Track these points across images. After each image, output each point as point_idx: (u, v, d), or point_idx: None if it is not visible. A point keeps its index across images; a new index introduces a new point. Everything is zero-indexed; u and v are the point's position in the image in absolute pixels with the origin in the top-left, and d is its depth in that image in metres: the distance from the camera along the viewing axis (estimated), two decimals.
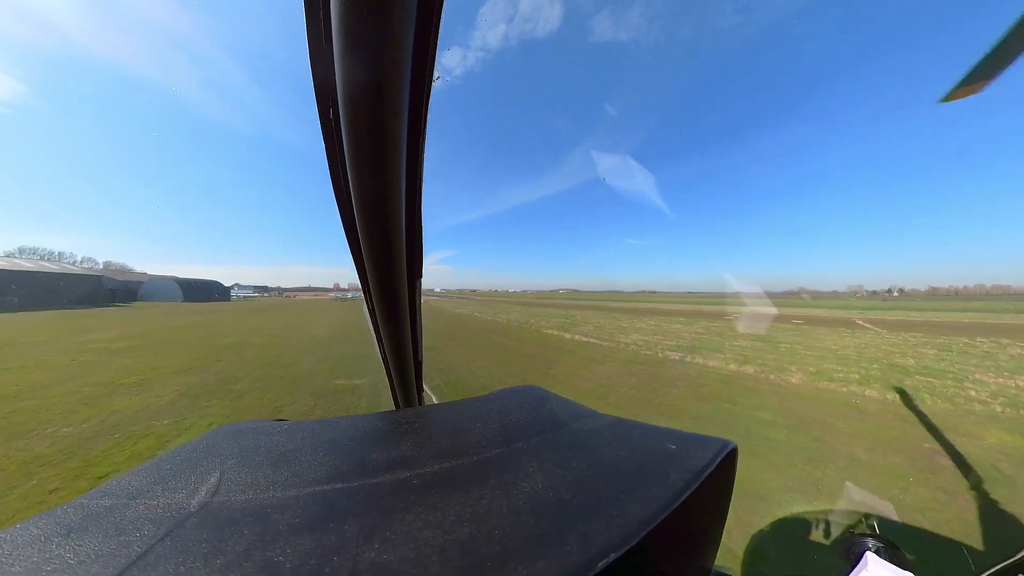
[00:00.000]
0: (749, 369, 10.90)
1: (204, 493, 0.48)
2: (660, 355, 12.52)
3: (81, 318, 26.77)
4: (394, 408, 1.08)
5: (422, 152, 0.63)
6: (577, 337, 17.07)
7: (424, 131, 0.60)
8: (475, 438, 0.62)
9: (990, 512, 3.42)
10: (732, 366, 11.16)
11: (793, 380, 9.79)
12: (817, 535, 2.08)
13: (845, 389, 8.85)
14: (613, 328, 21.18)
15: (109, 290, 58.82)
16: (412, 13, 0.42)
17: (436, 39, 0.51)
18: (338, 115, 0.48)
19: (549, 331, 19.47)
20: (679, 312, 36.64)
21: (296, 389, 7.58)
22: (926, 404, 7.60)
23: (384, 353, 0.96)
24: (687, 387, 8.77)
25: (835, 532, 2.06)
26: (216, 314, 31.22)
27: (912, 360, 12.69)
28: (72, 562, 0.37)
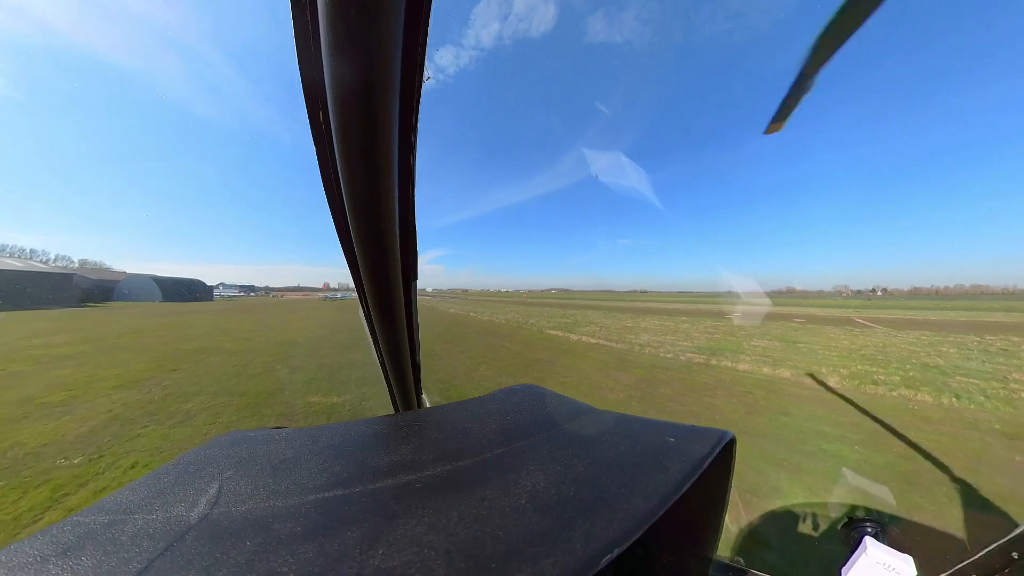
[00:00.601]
0: (784, 373, 10.11)
1: (204, 505, 0.47)
2: (682, 358, 11.37)
3: (39, 319, 24.55)
4: (393, 412, 1.06)
5: (414, 152, 0.61)
6: (584, 339, 15.81)
7: (416, 131, 0.59)
8: (475, 439, 0.62)
9: None
10: (766, 369, 10.24)
11: (833, 384, 8.94)
12: (817, 522, 1.98)
13: (895, 393, 8.15)
14: (619, 328, 20.03)
15: (82, 289, 55.68)
16: (400, 13, 0.41)
17: (426, 39, 0.50)
18: (328, 117, 0.47)
19: (553, 332, 18.18)
20: (678, 311, 35.85)
21: (260, 410, 6.09)
22: (987, 408, 7.05)
23: (381, 356, 0.93)
24: (728, 396, 7.65)
25: (835, 518, 1.89)
26: (193, 314, 29.18)
27: (940, 360, 12.33)
28: None
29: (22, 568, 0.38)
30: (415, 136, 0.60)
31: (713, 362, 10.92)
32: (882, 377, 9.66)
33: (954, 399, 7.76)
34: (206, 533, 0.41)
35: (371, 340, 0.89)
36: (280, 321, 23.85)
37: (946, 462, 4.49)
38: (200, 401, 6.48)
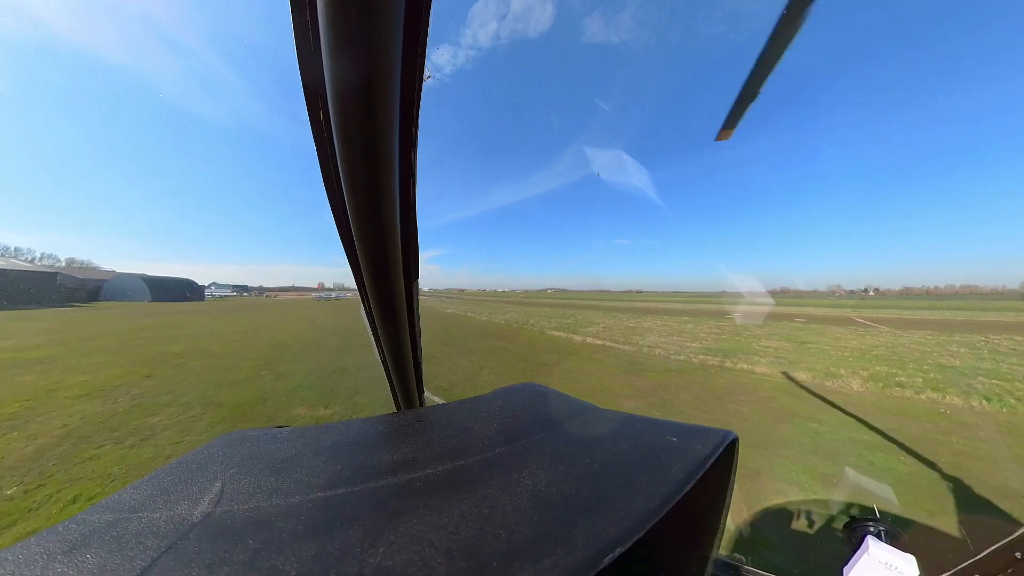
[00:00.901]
0: (802, 375, 9.66)
1: (206, 503, 0.48)
2: (695, 361, 10.81)
3: (15, 320, 23.47)
4: (395, 410, 1.07)
5: (415, 151, 0.62)
6: (588, 340, 15.21)
7: (416, 130, 0.59)
8: (477, 438, 0.62)
9: None
10: (785, 372, 9.66)
11: (855, 387, 8.55)
12: (820, 521, 1.88)
13: (922, 396, 7.76)
14: (622, 329, 19.48)
15: (67, 289, 54.17)
16: (400, 12, 0.41)
17: (426, 37, 0.50)
18: (328, 116, 0.47)
19: (555, 333, 17.56)
20: (677, 311, 35.48)
21: (235, 424, 5.37)
22: (1019, 412, 6.83)
23: (383, 354, 0.94)
24: (752, 402, 7.15)
25: (837, 517, 1.80)
26: (180, 315, 28.19)
27: (956, 360, 12.31)
28: None
29: (28, 565, 0.38)
30: (416, 134, 0.59)
31: (728, 364, 10.41)
32: (904, 379, 9.40)
33: (984, 402, 7.48)
34: (209, 531, 0.41)
35: (372, 338, 0.89)
36: (271, 322, 23.01)
37: (1000, 472, 4.14)
38: (170, 414, 5.75)
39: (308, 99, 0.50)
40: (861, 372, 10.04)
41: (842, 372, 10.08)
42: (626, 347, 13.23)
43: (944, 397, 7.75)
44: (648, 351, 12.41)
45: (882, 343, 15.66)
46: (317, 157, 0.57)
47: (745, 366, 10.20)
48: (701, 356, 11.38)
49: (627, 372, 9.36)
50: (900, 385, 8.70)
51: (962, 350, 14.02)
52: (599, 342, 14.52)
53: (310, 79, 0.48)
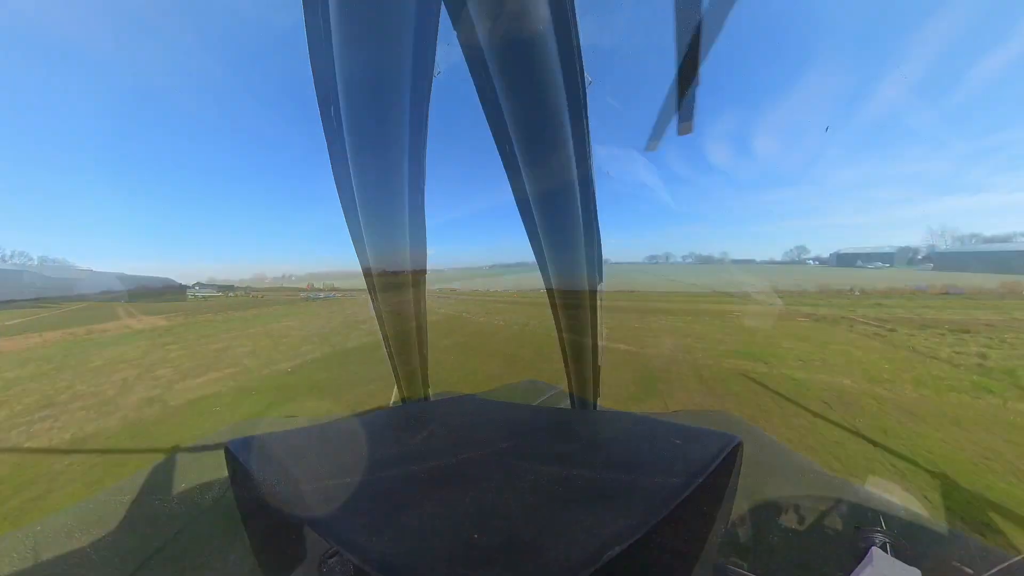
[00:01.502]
0: (843, 380, 9.00)
1: (217, 489, 0.55)
2: (725, 365, 9.81)
3: None
4: (400, 402, 1.15)
5: (425, 148, 0.64)
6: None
7: (427, 126, 0.60)
8: (481, 432, 0.68)
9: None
10: (822, 377, 8.86)
11: (910, 393, 7.81)
12: (824, 528, 1.88)
13: (981, 402, 7.24)
14: (631, 330, 18.31)
15: (36, 288, 51.19)
16: (411, 12, 0.41)
17: (435, 35, 0.49)
18: (339, 113, 0.50)
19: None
20: (677, 311, 34.62)
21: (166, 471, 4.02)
22: None
23: (389, 348, 1.02)
24: (803, 415, 6.34)
25: (843, 525, 1.83)
26: (157, 315, 26.29)
27: (989, 362, 11.54)
28: (93, 557, 0.41)
29: (47, 544, 0.40)
30: (426, 131, 0.61)
31: (762, 369, 9.42)
32: (952, 383, 8.46)
33: None
34: (220, 516, 0.46)
35: (380, 332, 0.96)
36: (249, 327, 21.38)
37: None
38: (84, 457, 4.31)
39: (320, 97, 0.50)
40: (903, 376, 9.24)
41: (884, 376, 9.29)
42: (646, 350, 12.22)
43: (1006, 403, 7.15)
44: (671, 354, 11.42)
45: (901, 343, 14.97)
46: (328, 154, 0.58)
47: (783, 372, 9.23)
48: (732, 360, 10.38)
49: (654, 380, 8.24)
50: (953, 389, 8.00)
51: (983, 350, 13.46)
52: (611, 344, 13.42)
53: (321, 76, 0.47)
